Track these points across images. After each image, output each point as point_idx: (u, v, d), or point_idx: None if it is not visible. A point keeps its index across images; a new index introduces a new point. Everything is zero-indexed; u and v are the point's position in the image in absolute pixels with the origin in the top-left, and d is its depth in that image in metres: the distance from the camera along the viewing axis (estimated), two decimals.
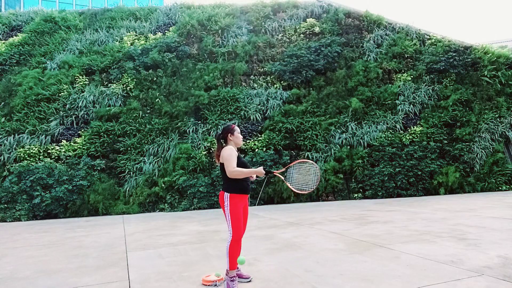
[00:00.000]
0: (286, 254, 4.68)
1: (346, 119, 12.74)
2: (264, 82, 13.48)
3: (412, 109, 13.09)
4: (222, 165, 3.48)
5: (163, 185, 10.92)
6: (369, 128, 12.62)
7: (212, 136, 11.91)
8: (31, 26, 14.15)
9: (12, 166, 10.68)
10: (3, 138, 11.20)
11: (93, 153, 11.32)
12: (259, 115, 12.61)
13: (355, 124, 12.70)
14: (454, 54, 13.65)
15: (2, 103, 12.06)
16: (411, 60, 14.17)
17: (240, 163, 3.47)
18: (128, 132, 11.79)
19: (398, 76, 13.74)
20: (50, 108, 11.96)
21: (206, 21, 14.62)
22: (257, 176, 3.61)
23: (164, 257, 4.81)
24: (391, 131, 12.67)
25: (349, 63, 13.85)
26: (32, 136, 11.34)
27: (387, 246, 4.87)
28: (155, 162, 11.43)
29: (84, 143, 11.36)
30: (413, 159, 12.11)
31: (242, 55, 13.77)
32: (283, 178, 3.77)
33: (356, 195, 11.89)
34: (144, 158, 11.47)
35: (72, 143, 11.38)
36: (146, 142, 11.74)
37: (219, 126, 11.97)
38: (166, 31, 14.53)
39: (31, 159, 10.82)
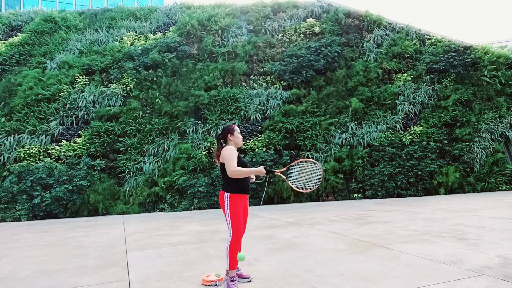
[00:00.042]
0: (286, 254, 4.68)
1: (346, 119, 12.75)
2: (264, 82, 13.47)
3: (412, 109, 13.09)
4: (222, 165, 3.48)
5: (163, 185, 10.92)
6: (369, 128, 12.62)
7: (212, 136, 11.91)
8: (31, 26, 14.14)
9: (12, 166, 10.68)
10: (3, 138, 11.20)
11: (93, 153, 11.32)
12: (259, 115, 12.61)
13: (355, 124, 12.70)
14: (454, 54, 13.65)
15: (2, 103, 12.07)
16: (411, 60, 14.17)
17: (240, 163, 3.46)
18: (128, 132, 11.80)
19: (398, 76, 13.74)
20: (50, 108, 11.97)
21: (206, 21, 14.62)
22: (257, 176, 3.60)
23: (164, 257, 4.81)
24: (391, 131, 12.67)
25: (349, 63, 13.85)
26: (32, 136, 11.34)
27: (387, 246, 4.87)
28: (155, 162, 11.44)
29: (84, 143, 11.36)
30: (413, 159, 12.11)
31: (242, 55, 13.77)
32: (284, 177, 3.77)
33: (356, 195, 11.89)
34: (144, 158, 11.47)
35: (72, 143, 11.38)
36: (146, 142, 11.74)
37: (219, 126, 11.97)
38: (166, 31, 14.52)
39: (31, 159, 10.82)
